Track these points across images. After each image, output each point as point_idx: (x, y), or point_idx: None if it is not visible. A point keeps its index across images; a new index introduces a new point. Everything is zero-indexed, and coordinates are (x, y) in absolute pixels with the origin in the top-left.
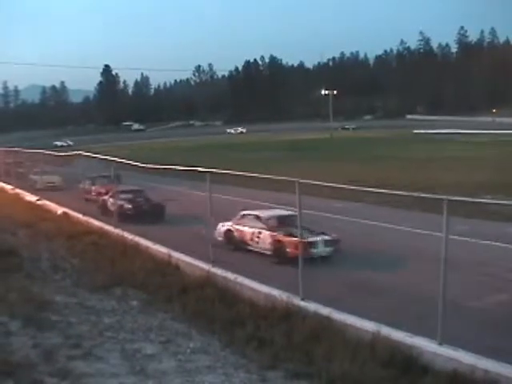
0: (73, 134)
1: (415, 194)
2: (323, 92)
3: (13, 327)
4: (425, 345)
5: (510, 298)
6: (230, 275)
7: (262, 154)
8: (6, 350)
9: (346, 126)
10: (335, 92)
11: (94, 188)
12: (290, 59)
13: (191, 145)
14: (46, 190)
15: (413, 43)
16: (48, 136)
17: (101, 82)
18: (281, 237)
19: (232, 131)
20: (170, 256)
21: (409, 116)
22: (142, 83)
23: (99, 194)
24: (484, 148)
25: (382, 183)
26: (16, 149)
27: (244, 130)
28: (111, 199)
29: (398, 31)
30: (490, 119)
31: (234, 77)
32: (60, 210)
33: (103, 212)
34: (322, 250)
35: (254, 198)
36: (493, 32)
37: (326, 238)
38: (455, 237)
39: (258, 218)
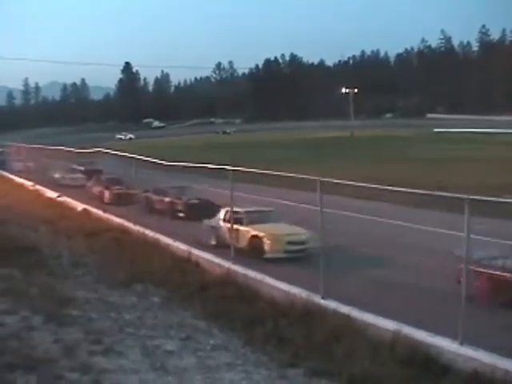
0: (91, 131)
1: (436, 193)
2: (344, 90)
3: (35, 322)
4: (445, 345)
5: None
6: (251, 273)
7: (289, 152)
8: (27, 345)
9: (228, 131)
10: (356, 90)
11: None
12: (310, 57)
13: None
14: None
15: (434, 42)
16: (71, 132)
17: (121, 80)
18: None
19: (122, 137)
20: (190, 253)
21: (429, 115)
22: (163, 80)
23: None
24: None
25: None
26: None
27: (133, 136)
28: None
29: (419, 29)
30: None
31: (254, 75)
32: (80, 206)
33: None
34: None
35: None
36: None
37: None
38: None
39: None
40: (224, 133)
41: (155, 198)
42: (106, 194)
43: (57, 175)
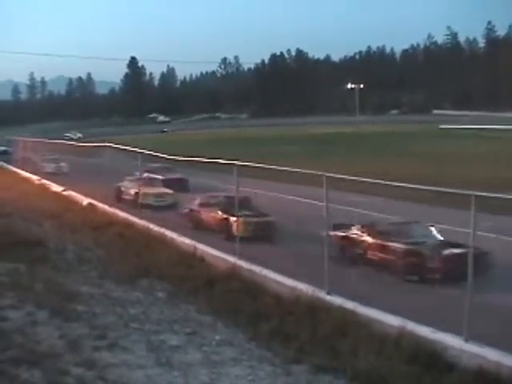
0: (96, 126)
1: (442, 189)
2: (349, 86)
3: (39, 317)
4: (450, 341)
5: None
6: (256, 268)
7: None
8: (32, 340)
9: (165, 130)
10: (361, 86)
11: None
12: (316, 53)
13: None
14: None
15: (440, 38)
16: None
17: (127, 74)
18: None
19: (72, 135)
20: (195, 248)
21: (435, 111)
22: (168, 75)
23: None
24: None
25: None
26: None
27: (81, 135)
28: None
29: (425, 26)
30: None
31: (260, 70)
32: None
33: None
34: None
35: None
36: None
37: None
38: None
39: None
40: (163, 132)
41: (370, 241)
42: (235, 224)
43: (129, 189)
